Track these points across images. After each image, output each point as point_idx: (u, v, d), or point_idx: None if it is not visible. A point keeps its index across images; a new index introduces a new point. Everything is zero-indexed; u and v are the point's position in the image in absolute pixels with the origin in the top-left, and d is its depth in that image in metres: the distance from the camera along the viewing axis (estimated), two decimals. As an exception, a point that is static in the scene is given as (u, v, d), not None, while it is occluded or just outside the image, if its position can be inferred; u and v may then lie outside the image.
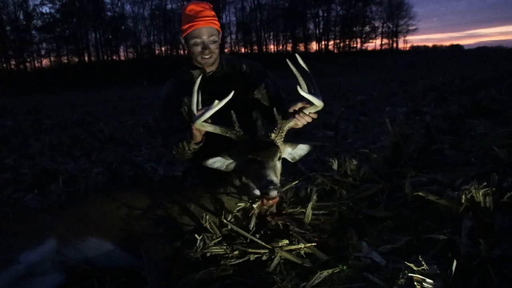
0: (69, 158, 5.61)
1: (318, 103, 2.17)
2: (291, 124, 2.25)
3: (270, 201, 2.02)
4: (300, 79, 2.19)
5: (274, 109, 2.24)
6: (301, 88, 2.14)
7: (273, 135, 2.22)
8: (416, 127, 3.80)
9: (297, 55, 2.25)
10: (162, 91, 2.81)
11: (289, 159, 2.38)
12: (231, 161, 2.23)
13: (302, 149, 2.35)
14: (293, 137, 2.56)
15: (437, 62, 29.40)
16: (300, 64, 2.24)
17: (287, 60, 2.27)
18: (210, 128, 2.22)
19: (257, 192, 2.11)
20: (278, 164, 2.18)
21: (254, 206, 2.21)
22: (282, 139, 2.25)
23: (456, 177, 2.74)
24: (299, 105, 2.24)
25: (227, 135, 2.22)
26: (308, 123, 2.29)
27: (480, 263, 1.68)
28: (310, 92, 2.19)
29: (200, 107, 2.21)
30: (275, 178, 2.00)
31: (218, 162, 2.23)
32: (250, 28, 60.01)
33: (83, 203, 2.43)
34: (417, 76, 16.36)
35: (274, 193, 1.91)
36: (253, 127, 2.82)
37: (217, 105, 2.14)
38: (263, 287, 1.84)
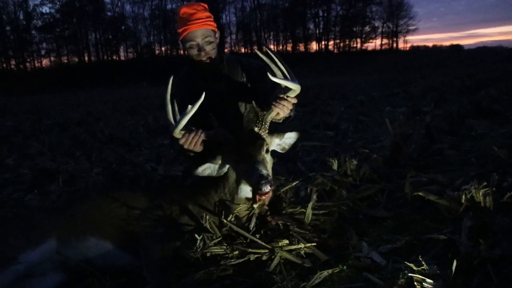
0: (69, 158, 5.60)
1: (294, 87, 2.13)
2: (272, 114, 2.21)
3: (263, 196, 1.99)
4: (273, 66, 2.12)
5: (253, 102, 2.18)
6: (272, 75, 2.07)
7: (256, 129, 2.20)
8: (416, 127, 3.80)
9: (264, 46, 2.20)
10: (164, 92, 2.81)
11: (279, 150, 2.35)
12: (220, 164, 2.22)
13: (290, 138, 2.33)
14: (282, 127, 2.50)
15: (437, 62, 29.39)
16: (271, 54, 2.14)
17: (265, 48, 2.19)
18: None
19: (248, 193, 2.12)
20: (267, 157, 2.16)
21: (255, 206, 2.21)
22: (267, 131, 2.22)
23: (456, 177, 2.74)
24: (278, 93, 2.19)
25: (210, 138, 2.20)
26: (291, 109, 2.23)
27: (480, 263, 1.68)
28: (285, 78, 2.13)
29: (177, 116, 2.17)
30: (265, 171, 1.97)
31: (208, 169, 2.21)
32: (250, 28, 60.08)
33: (82, 203, 2.42)
34: (417, 76, 16.36)
35: (266, 187, 1.89)
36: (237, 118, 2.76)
37: (191, 110, 2.09)
38: (263, 287, 1.84)
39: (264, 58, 2.16)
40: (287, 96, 2.17)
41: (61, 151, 6.30)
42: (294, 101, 2.21)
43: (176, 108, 2.18)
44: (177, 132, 2.16)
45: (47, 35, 53.53)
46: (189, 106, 2.10)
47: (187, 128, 2.18)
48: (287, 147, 2.36)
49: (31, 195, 3.88)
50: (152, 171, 4.34)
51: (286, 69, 2.15)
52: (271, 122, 2.30)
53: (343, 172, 3.00)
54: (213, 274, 1.93)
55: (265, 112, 2.22)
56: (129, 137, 7.35)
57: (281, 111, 2.18)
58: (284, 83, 2.11)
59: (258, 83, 2.71)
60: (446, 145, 3.80)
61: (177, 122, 2.13)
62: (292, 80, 2.13)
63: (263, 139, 2.18)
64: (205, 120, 2.31)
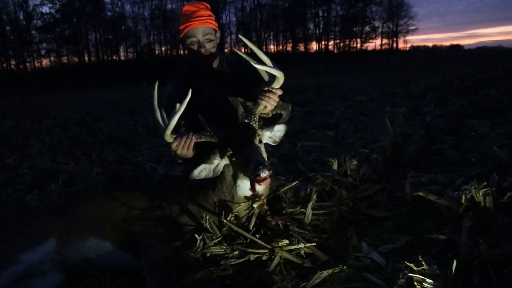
0: (69, 158, 5.60)
1: (278, 74, 2.13)
2: (260, 107, 2.22)
3: (262, 183, 1.98)
4: (257, 52, 2.11)
5: (238, 98, 2.22)
6: (255, 63, 2.07)
7: (246, 121, 2.23)
8: (416, 127, 3.80)
9: (240, 35, 2.26)
10: (164, 92, 2.81)
11: (271, 143, 2.38)
12: (216, 164, 2.21)
13: (279, 130, 2.36)
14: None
15: (437, 62, 29.39)
16: (249, 45, 2.13)
17: (240, 36, 2.27)
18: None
19: (246, 191, 2.14)
20: (262, 147, 2.18)
21: (255, 206, 2.21)
22: (257, 124, 2.24)
23: (456, 177, 2.73)
24: (262, 87, 2.21)
25: (202, 139, 2.20)
26: (278, 101, 2.24)
27: (480, 263, 1.68)
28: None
29: (166, 120, 2.16)
30: (262, 158, 1.98)
31: (204, 171, 2.20)
32: (250, 28, 60.03)
33: (82, 203, 2.42)
34: (417, 76, 16.36)
35: (264, 172, 1.88)
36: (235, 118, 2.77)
37: (179, 109, 2.08)
38: (263, 287, 1.84)
39: (243, 55, 2.20)
40: (272, 88, 2.18)
41: (61, 151, 6.31)
42: (279, 92, 2.22)
43: (164, 114, 2.17)
44: (168, 135, 2.14)
45: (47, 35, 53.54)
46: (177, 105, 2.09)
47: (178, 132, 2.17)
48: (277, 139, 2.39)
49: (31, 195, 3.87)
50: (152, 171, 4.34)
51: (267, 59, 2.14)
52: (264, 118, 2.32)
53: (343, 172, 3.00)
54: (213, 274, 1.93)
55: (253, 106, 2.24)
56: (129, 137, 7.36)
57: (268, 103, 2.19)
58: (267, 69, 2.13)
59: (258, 82, 2.71)
60: (446, 145, 3.80)
61: (167, 124, 2.11)
62: (275, 68, 2.13)
63: (255, 128, 2.20)
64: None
